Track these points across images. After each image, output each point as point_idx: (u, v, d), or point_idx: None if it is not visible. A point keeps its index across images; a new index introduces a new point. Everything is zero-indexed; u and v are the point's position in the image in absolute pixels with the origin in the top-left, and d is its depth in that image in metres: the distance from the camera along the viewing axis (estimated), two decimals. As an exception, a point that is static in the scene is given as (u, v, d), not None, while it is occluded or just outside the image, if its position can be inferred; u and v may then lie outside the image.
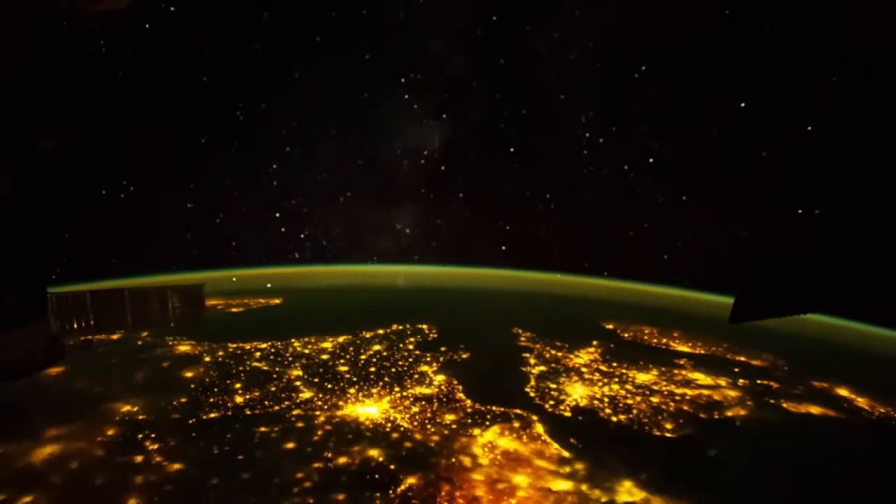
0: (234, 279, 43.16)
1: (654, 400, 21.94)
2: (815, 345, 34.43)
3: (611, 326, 34.26)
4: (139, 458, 15.87)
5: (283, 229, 45.62)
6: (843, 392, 25.36)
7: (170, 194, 39.71)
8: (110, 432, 17.29)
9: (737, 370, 26.89)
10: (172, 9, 32.01)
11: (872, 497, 16.06)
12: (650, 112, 37.43)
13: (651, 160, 39.80)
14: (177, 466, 15.48)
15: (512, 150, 44.17)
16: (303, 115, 42.29)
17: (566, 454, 17.00)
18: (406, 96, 39.95)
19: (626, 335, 32.44)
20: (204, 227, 42.77)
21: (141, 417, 18.34)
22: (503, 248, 49.07)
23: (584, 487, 15.18)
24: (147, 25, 31.48)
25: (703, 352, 30.02)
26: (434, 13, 37.68)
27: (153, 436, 17.10)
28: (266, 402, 19.83)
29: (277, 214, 45.09)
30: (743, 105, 31.42)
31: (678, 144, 37.77)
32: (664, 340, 31.90)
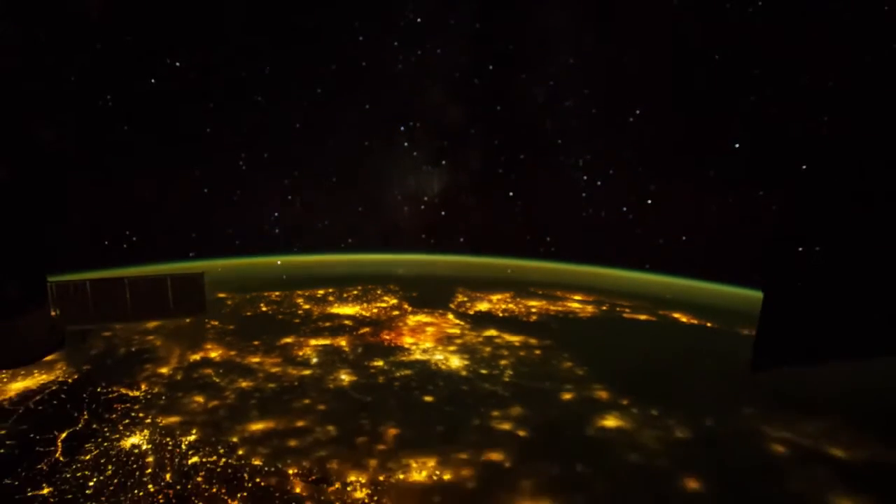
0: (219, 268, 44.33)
1: (533, 311, 33.66)
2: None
3: (532, 289, 45.93)
4: (209, 327, 27.28)
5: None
6: (677, 315, 37.06)
7: (170, 193, 39.26)
8: (188, 320, 28.63)
9: (606, 305, 38.64)
10: (178, 64, 34.73)
11: (648, 357, 27.63)
12: (646, 154, 39.15)
13: (649, 201, 40.61)
14: (231, 326, 26.94)
15: (511, 194, 45.30)
16: (304, 163, 43.80)
17: (462, 323, 28.66)
18: (405, 144, 41.87)
19: (540, 292, 44.15)
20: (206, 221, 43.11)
21: (204, 320, 29.70)
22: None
23: (466, 331, 26.78)
24: (153, 80, 34.08)
25: (590, 300, 41.77)
26: (432, 64, 39.69)
27: (215, 321, 28.53)
28: (280, 310, 31.33)
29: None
30: (737, 146, 31.63)
31: (676, 185, 38.83)
32: (567, 295, 43.62)
